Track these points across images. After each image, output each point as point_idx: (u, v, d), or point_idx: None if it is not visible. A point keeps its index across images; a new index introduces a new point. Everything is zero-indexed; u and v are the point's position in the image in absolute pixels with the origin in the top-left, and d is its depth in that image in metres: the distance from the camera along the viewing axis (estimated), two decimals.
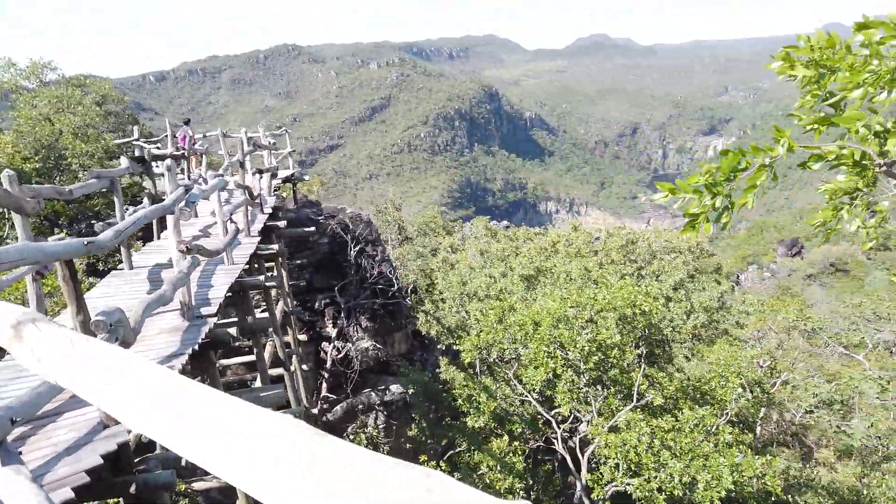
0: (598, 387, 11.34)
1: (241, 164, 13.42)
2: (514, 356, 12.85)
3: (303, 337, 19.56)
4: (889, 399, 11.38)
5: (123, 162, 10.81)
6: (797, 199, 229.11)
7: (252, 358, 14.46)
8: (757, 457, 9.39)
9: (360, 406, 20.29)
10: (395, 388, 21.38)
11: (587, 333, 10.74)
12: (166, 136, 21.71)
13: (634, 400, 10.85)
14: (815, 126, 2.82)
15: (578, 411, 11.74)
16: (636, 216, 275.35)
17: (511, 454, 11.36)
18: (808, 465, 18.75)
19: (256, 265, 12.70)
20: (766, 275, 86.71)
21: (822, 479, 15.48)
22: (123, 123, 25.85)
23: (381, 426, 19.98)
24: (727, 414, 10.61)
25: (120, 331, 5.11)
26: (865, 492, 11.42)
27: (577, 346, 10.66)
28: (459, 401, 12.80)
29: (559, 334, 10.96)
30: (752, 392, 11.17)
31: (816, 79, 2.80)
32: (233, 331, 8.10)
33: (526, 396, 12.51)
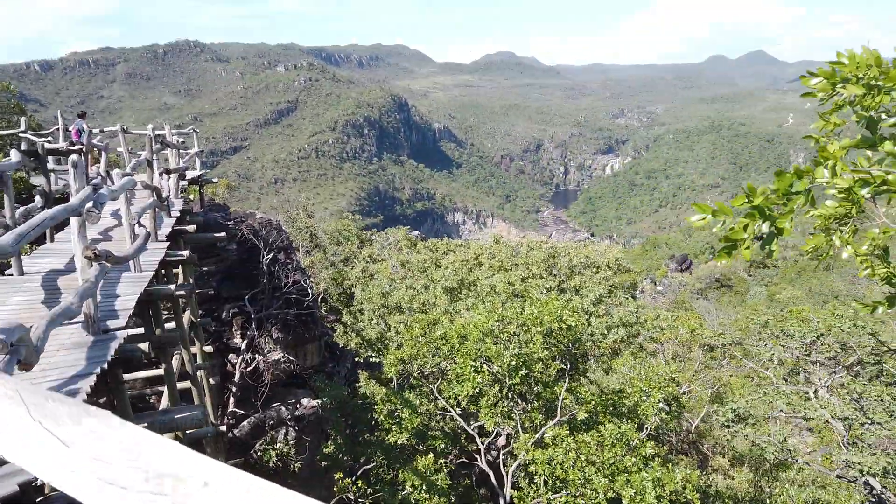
0: (522, 401, 11.31)
1: (150, 163, 12.40)
2: (436, 370, 12.60)
3: (208, 349, 18.39)
4: (796, 412, 12.13)
5: (14, 155, 9.65)
6: (686, 216, 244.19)
7: (155, 372, 13.38)
8: (677, 470, 9.64)
9: (270, 421, 19.34)
10: (307, 402, 20.56)
11: (514, 348, 10.68)
12: (57, 129, 19.89)
13: (558, 414, 10.89)
14: (848, 148, 2.75)
15: (501, 426, 11.64)
16: (539, 229, 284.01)
17: (436, 472, 11.06)
18: (705, 472, 19.70)
19: (164, 272, 11.75)
20: (658, 289, 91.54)
21: (718, 486, 16.29)
22: (6, 113, 23.49)
23: (291, 441, 19.11)
24: (647, 428, 10.87)
25: (22, 350, 4.40)
26: (769, 501, 12.06)
27: (504, 360, 10.57)
28: (381, 416, 12.37)
29: (486, 348, 10.83)
30: (670, 406, 11.53)
31: (859, 101, 2.74)
32: (144, 346, 7.31)
33: (448, 411, 12.28)
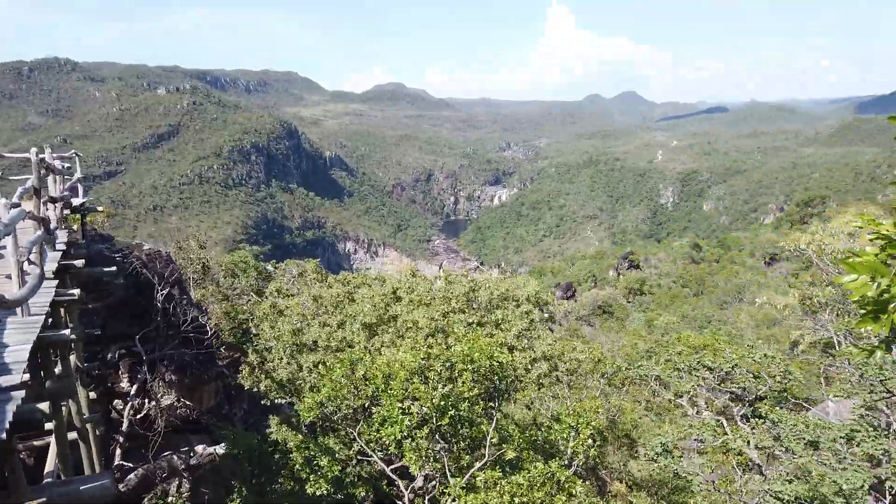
0: (446, 441, 10.95)
1: (37, 192, 11.03)
2: (353, 411, 11.97)
3: (91, 395, 16.58)
4: (719, 443, 12.66)
5: None
6: (568, 247, 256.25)
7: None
8: None
9: (161, 472, 17.64)
10: (203, 450, 19.00)
11: (442, 387, 10.35)
12: None
13: (487, 454, 10.64)
14: None
15: (424, 468, 11.18)
16: (430, 258, 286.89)
17: None
18: (605, 499, 20.18)
19: (51, 314, 10.43)
20: (545, 315, 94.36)
21: None
22: None
23: (185, 495, 17.52)
24: (576, 465, 10.89)
25: None
26: None
27: (434, 401, 10.20)
28: (296, 465, 11.54)
29: (414, 388, 10.42)
30: (594, 440, 11.63)
31: None
32: (44, 405, 6.25)
33: (370, 455, 11.67)
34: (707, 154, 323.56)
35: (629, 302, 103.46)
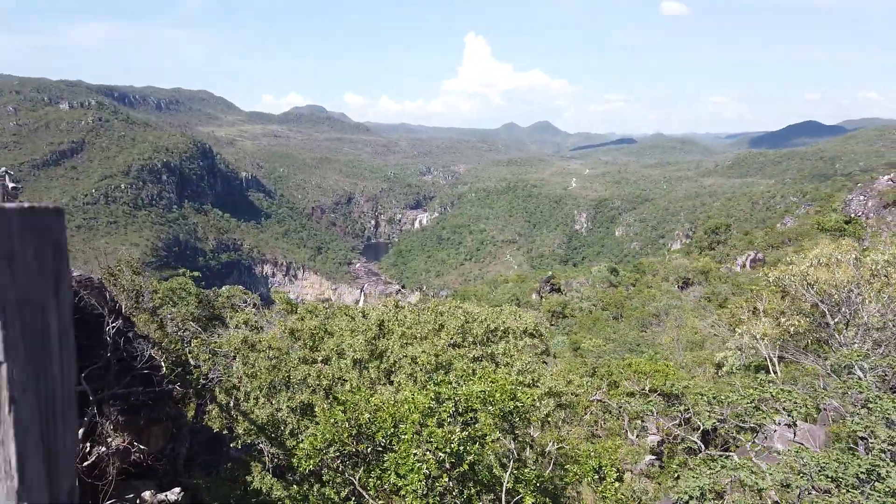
0: (463, 489, 10.22)
1: None
2: (353, 458, 11.03)
3: None
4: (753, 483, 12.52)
5: None
6: (489, 271, 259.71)
7: None
8: None
9: None
10: (150, 497, 17.25)
11: (461, 431, 9.66)
12: None
13: (504, 500, 9.99)
14: None
15: None
16: (351, 281, 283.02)
17: None
18: None
19: None
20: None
21: None
22: None
23: None
24: None
25: None
26: None
27: (452, 446, 9.49)
28: None
29: (429, 432, 9.67)
30: (621, 482, 11.23)
31: None
32: None
33: None
34: (618, 182, 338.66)
35: (552, 325, 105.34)
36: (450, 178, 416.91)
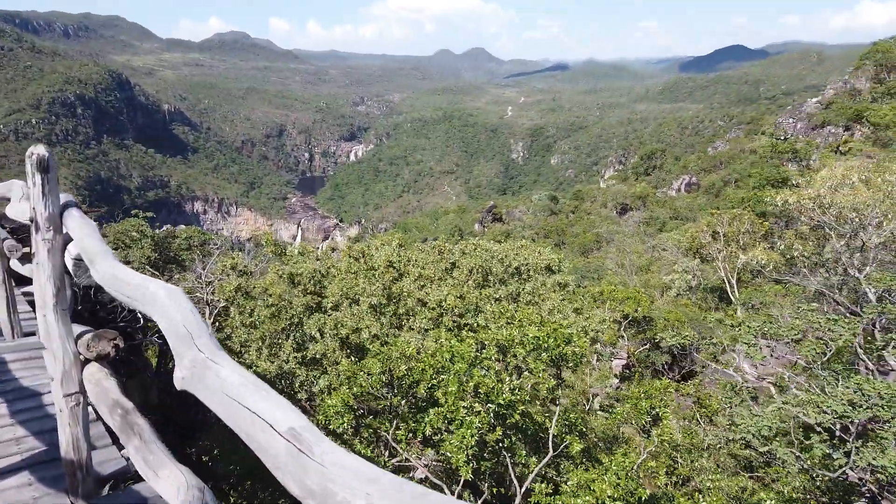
0: (511, 441, 9.62)
1: None
2: (387, 412, 10.22)
3: None
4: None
5: None
6: (427, 202, 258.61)
7: None
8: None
9: None
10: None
11: (510, 381, 8.99)
12: None
13: (551, 450, 9.51)
14: None
15: (482, 474, 9.68)
16: (287, 217, 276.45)
17: None
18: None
19: None
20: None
21: None
22: None
23: None
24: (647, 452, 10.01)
25: None
26: None
27: (503, 397, 8.82)
28: None
29: (477, 382, 8.96)
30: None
31: None
32: None
33: (407, 461, 10.05)
34: (553, 110, 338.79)
35: None
36: (384, 108, 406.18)
